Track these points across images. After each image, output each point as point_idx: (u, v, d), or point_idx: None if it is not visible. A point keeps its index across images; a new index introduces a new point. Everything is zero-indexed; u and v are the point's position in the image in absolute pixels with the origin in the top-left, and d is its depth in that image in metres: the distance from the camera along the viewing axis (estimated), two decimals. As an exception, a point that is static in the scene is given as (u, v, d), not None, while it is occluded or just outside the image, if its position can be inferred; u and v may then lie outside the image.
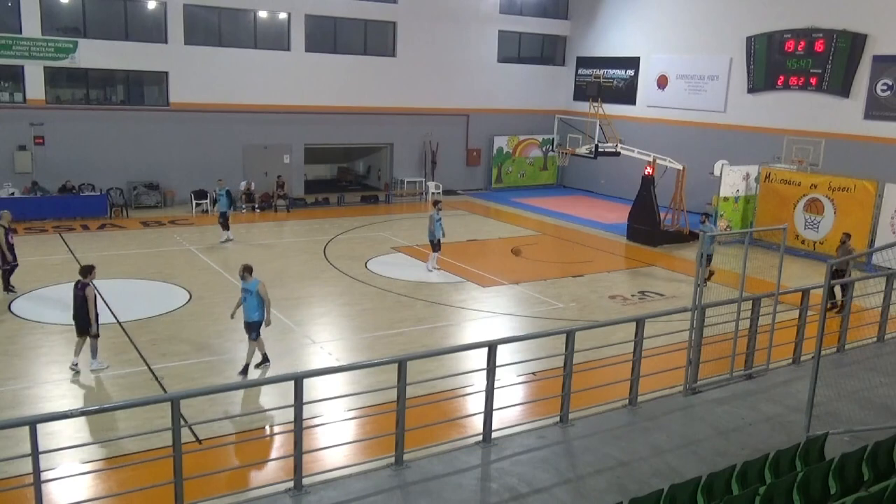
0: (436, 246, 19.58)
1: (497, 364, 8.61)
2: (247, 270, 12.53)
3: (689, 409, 9.95)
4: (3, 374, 12.02)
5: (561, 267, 20.81)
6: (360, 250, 21.59)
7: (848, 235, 17.49)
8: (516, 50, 34.35)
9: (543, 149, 35.03)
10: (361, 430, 10.35)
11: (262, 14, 28.36)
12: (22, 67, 24.69)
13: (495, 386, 8.63)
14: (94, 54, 25.44)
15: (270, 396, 10.92)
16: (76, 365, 12.26)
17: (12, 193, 24.09)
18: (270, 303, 12.47)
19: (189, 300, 16.40)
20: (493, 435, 8.74)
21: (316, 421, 9.97)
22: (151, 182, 26.91)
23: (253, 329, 12.34)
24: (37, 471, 6.26)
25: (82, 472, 8.97)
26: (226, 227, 22.01)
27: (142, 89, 27.50)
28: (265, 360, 12.62)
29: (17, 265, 16.63)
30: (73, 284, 12.54)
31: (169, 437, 6.85)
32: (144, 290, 17.20)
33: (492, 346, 8.68)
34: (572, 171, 34.10)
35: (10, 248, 16.38)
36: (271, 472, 8.85)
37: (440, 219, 19.61)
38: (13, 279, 16.57)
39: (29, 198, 24.28)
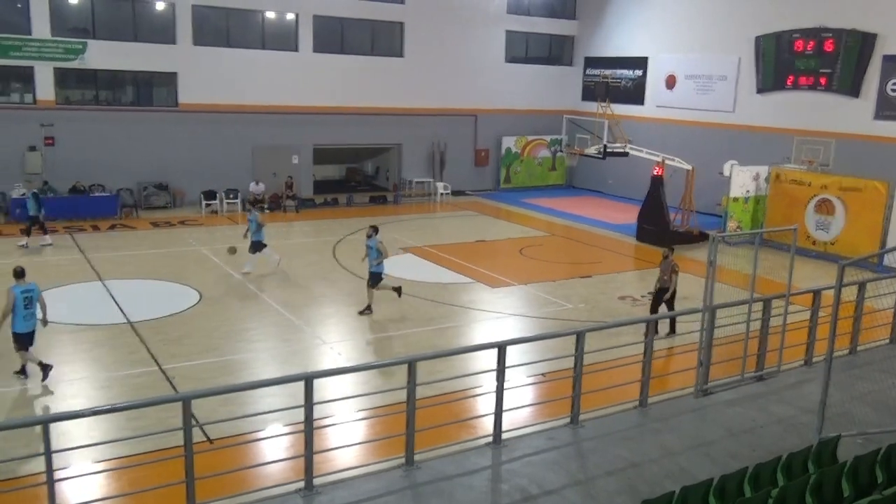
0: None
1: (507, 365, 8.60)
2: (373, 228, 15.69)
3: (700, 411, 9.92)
4: (8, 376, 12.04)
5: (570, 267, 20.79)
6: (368, 251, 21.59)
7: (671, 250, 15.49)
8: (524, 50, 34.33)
9: (552, 149, 34.99)
10: (372, 431, 10.37)
11: (270, 15, 28.42)
12: (32, 68, 24.82)
13: (505, 387, 8.63)
14: (103, 55, 25.55)
15: (280, 397, 10.92)
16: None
17: (23, 194, 24.17)
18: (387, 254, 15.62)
19: (199, 300, 16.44)
20: (504, 436, 8.73)
21: (326, 421, 9.98)
22: (161, 183, 27.01)
23: (372, 279, 15.41)
24: (50, 470, 6.29)
25: (94, 472, 9.01)
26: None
27: (151, 90, 27.60)
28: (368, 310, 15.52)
29: None
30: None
31: (180, 436, 6.87)
32: (155, 290, 17.26)
33: (501, 347, 8.67)
34: (581, 172, 34.07)
35: None
36: (282, 473, 8.85)
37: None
38: None
39: (40, 198, 24.32)
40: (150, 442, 9.10)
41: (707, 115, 29.17)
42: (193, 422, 6.90)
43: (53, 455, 6.32)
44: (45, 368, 11.91)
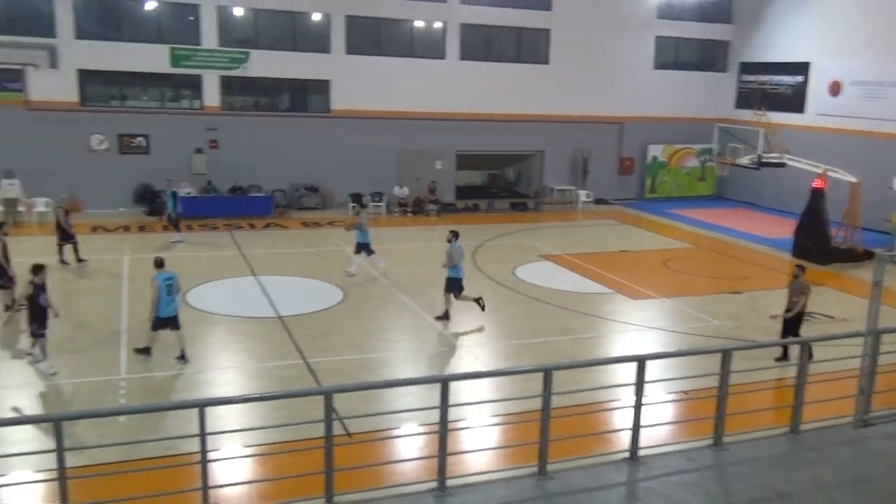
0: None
1: (646, 380, 8.33)
2: (452, 234, 15.61)
3: (859, 443, 9.18)
4: (175, 361, 12.97)
5: (717, 282, 19.90)
6: (508, 257, 21.62)
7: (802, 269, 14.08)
8: (674, 55, 33.24)
9: (701, 159, 33.66)
10: (505, 437, 10.34)
11: (419, 24, 29.11)
12: (200, 77, 26.71)
13: (644, 402, 8.36)
14: (263, 64, 27.10)
15: (417, 397, 11.13)
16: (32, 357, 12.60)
17: (189, 193, 26.10)
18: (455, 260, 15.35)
19: (343, 299, 17.05)
20: (640, 453, 8.45)
21: (461, 424, 10.06)
22: (312, 185, 28.29)
23: (450, 284, 15.31)
24: (204, 450, 6.70)
25: (242, 456, 9.54)
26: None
27: (305, 97, 28.98)
28: (446, 316, 15.45)
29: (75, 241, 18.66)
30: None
31: (322, 428, 7.12)
32: (303, 287, 18.07)
33: (641, 361, 8.40)
34: (732, 183, 32.51)
35: (69, 226, 18.46)
36: (415, 471, 9.01)
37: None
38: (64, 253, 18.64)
39: (203, 197, 26.20)
40: (294, 431, 9.52)
41: (876, 124, 27.05)
42: (334, 415, 7.13)
43: (207, 437, 6.73)
44: (184, 356, 12.89)
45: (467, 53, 29.62)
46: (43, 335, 12.22)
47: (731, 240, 25.39)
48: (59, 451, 6.27)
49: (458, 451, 9.02)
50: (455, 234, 15.69)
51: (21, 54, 24.28)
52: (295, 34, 27.82)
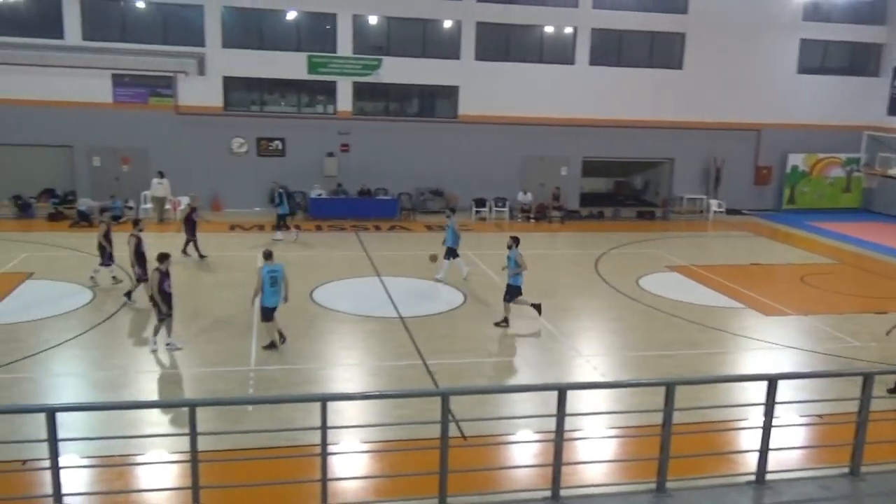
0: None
1: (777, 401, 7.88)
2: (513, 240, 15.33)
3: None
4: (301, 355, 13.50)
5: (860, 301, 18.59)
6: (632, 266, 21.10)
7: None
8: (820, 59, 31.38)
9: (847, 169, 31.59)
10: (622, 450, 10.08)
11: (549, 29, 28.94)
12: (335, 83, 27.70)
13: (774, 424, 7.91)
14: (395, 70, 27.77)
15: (533, 403, 11.04)
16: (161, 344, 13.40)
17: (320, 194, 27.13)
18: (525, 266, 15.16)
19: (464, 302, 17.17)
20: (768, 477, 8.01)
21: (577, 434, 9.90)
22: (437, 189, 28.70)
23: (509, 291, 15.06)
24: (324, 443, 6.91)
25: (360, 451, 9.77)
26: None
27: (434, 102, 29.45)
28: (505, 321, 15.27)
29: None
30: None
31: (437, 429, 7.18)
32: (425, 289, 18.33)
33: (772, 381, 7.96)
34: (881, 195, 30.33)
35: (193, 224, 19.92)
36: (529, 478, 8.93)
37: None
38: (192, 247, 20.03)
39: (333, 199, 27.14)
40: (411, 430, 9.66)
41: None
42: (451, 417, 7.18)
43: (328, 430, 6.93)
44: (283, 339, 13.56)
45: (597, 58, 29.17)
46: (169, 315, 13.21)
47: (878, 256, 23.68)
48: (192, 435, 6.63)
49: (574, 462, 8.87)
50: (516, 240, 15.36)
51: (173, 62, 26.04)
52: (426, 41, 28.34)
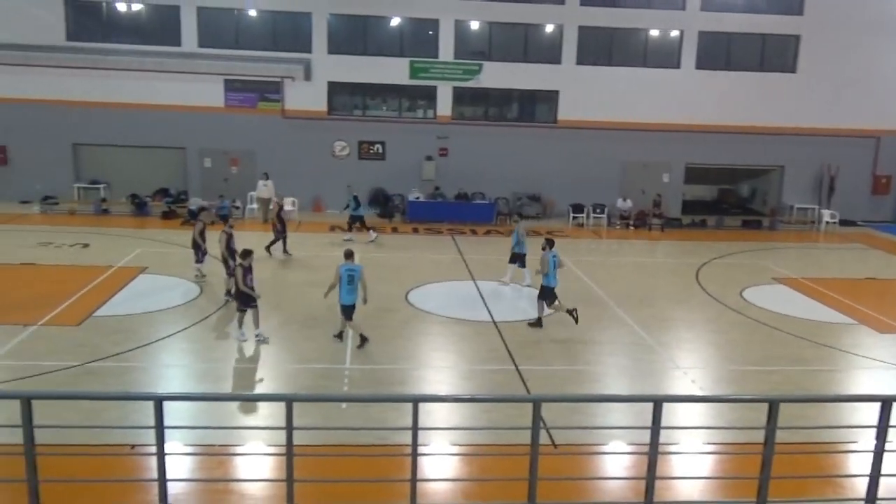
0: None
1: (892, 424, 7.40)
2: (547, 241, 15.63)
3: None
4: (396, 355, 13.67)
5: None
6: (735, 277, 20.33)
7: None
8: (948, 62, 29.44)
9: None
10: (720, 467, 9.70)
11: (654, 32, 28.30)
12: (435, 88, 27.99)
13: (886, 448, 7.43)
14: (495, 75, 27.82)
15: (626, 414, 10.79)
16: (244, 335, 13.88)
17: (418, 197, 27.46)
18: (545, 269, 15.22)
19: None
20: (879, 504, 7.53)
21: (672, 448, 9.60)
22: (534, 194, 28.55)
23: (543, 292, 15.25)
24: (415, 444, 6.96)
25: (450, 453, 9.80)
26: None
27: (533, 107, 29.32)
28: (539, 323, 15.39)
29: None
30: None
31: (527, 435, 7.11)
32: (517, 294, 18.24)
33: (886, 402, 7.47)
34: None
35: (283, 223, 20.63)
36: (621, 490, 8.73)
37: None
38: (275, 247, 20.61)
39: (430, 202, 27.41)
40: (501, 435, 9.63)
41: None
42: (541, 424, 7.10)
43: (419, 431, 6.97)
44: (364, 340, 13.72)
45: (704, 62, 28.35)
46: (245, 310, 13.79)
47: None
48: (289, 429, 6.81)
49: (668, 476, 8.60)
50: (550, 243, 15.69)
51: (281, 68, 26.97)
52: (527, 45, 28.25)
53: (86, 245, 21.17)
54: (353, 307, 13.68)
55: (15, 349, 13.10)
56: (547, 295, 15.42)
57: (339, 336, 13.97)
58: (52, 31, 26.16)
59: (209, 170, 27.79)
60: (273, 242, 20.61)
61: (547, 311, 15.65)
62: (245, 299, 13.75)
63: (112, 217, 25.65)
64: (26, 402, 6.39)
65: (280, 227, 20.54)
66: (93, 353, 13.00)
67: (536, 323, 15.47)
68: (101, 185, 27.20)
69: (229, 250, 16.19)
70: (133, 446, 9.43)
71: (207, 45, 26.84)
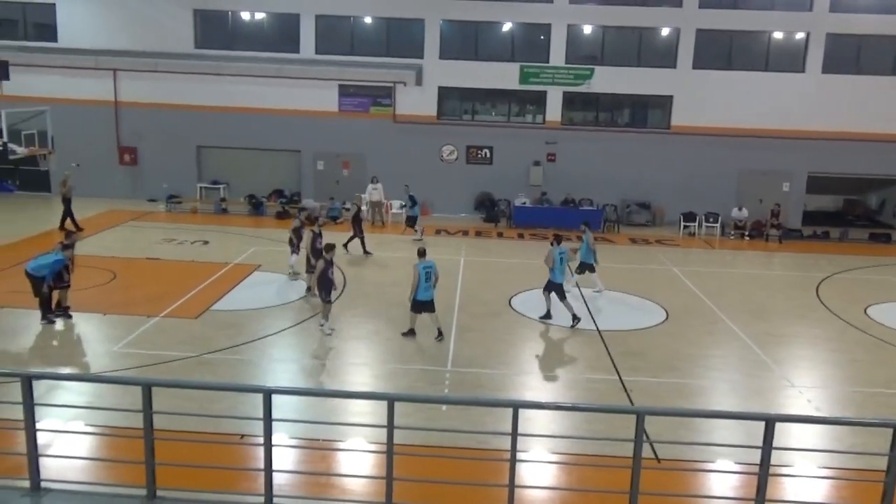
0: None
1: None
2: (556, 238, 15.99)
3: None
4: (497, 360, 13.65)
5: None
6: (860, 293, 19.16)
7: None
8: None
9: None
10: (836, 493, 9.16)
11: (777, 35, 27.09)
12: (545, 93, 27.81)
13: None
14: (606, 80, 27.37)
15: (735, 432, 10.35)
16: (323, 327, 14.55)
17: (524, 203, 27.35)
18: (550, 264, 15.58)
19: (665, 319, 16.51)
20: None
21: (784, 469, 9.14)
22: (644, 201, 27.88)
23: (552, 288, 15.56)
24: (514, 450, 6.91)
25: (549, 461, 9.69)
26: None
27: (645, 113, 28.65)
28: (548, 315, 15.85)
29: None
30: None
31: (629, 447, 6.94)
32: (625, 303, 17.87)
33: None
34: None
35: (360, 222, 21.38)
36: (727, 512, 8.40)
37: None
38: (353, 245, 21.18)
39: (537, 207, 27.24)
40: (602, 446, 9.44)
41: None
42: (645, 437, 6.91)
43: (518, 437, 6.93)
44: (440, 336, 14.31)
45: (831, 66, 26.87)
46: (329, 302, 14.50)
47: None
48: (390, 427, 6.91)
49: (779, 500, 8.19)
50: (558, 239, 16.10)
51: (393, 74, 27.50)
52: (641, 49, 27.64)
53: (206, 242, 22.26)
54: (430, 302, 14.30)
55: (138, 338, 13.93)
56: (554, 289, 15.69)
57: (412, 332, 14.50)
58: (181, 40, 27.68)
59: (322, 172, 28.66)
60: (352, 238, 21.21)
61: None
62: (328, 291, 14.45)
63: (230, 216, 26.85)
64: (147, 389, 6.77)
65: (357, 228, 21.11)
66: (208, 345, 13.65)
67: (546, 315, 15.85)
68: (222, 186, 28.54)
69: (314, 250, 16.76)
70: (242, 436, 9.82)
71: (324, 51, 27.69)
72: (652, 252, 23.71)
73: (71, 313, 14.86)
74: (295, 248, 18.30)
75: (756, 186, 27.52)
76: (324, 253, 14.69)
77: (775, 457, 7.03)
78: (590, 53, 27.83)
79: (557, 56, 27.43)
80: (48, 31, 27.99)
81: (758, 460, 6.90)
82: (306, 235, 17.29)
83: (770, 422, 6.87)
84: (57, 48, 27.69)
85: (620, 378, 12.91)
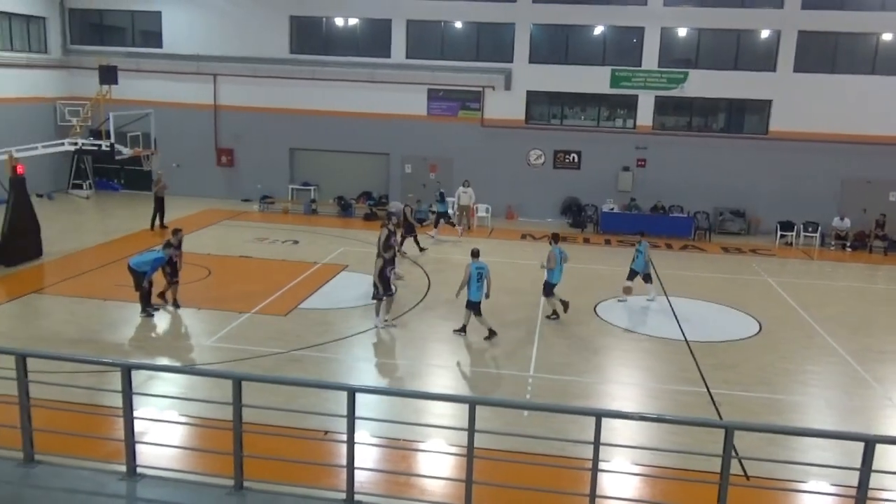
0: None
1: None
2: (553, 238, 16.09)
3: None
4: (580, 367, 13.47)
5: None
6: (974, 311, 17.99)
7: None
8: None
9: None
10: (943, 524, 8.60)
11: (887, 37, 25.73)
12: (636, 97, 27.29)
13: None
14: (701, 84, 26.63)
15: (832, 452, 9.87)
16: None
17: (612, 209, 26.91)
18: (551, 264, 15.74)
19: (758, 332, 15.91)
20: None
21: (884, 495, 8.65)
22: (738, 209, 26.98)
23: (544, 287, 15.83)
24: (596, 459, 6.79)
25: (631, 472, 9.48)
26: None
27: (742, 117, 27.72)
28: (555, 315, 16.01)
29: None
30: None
31: (716, 463, 6.72)
32: (714, 314, 17.32)
33: None
34: None
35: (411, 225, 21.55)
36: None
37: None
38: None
39: (625, 213, 26.74)
40: (687, 460, 9.17)
41: None
42: (734, 452, 6.68)
43: (600, 447, 6.81)
44: (492, 334, 14.40)
45: (948, 67, 25.37)
46: (382, 298, 14.91)
47: None
48: (470, 431, 6.90)
49: (879, 526, 7.77)
50: (556, 237, 16.21)
51: (482, 78, 27.56)
52: (738, 52, 26.77)
53: (296, 242, 22.86)
54: (479, 304, 14.32)
55: (230, 333, 14.42)
56: (548, 289, 15.97)
57: (463, 329, 14.60)
58: (277, 46, 28.54)
59: (409, 175, 28.97)
60: (402, 242, 21.19)
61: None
62: (384, 288, 14.80)
63: (320, 217, 27.48)
64: (237, 382, 6.99)
65: (406, 227, 21.29)
66: (296, 342, 14.00)
67: (553, 315, 16.05)
68: (312, 187, 29.24)
69: (386, 246, 16.85)
70: (326, 432, 10.02)
71: (414, 56, 28.02)
72: (745, 261, 22.90)
73: (171, 308, 15.57)
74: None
75: (860, 195, 26.21)
76: (382, 252, 15.11)
77: (874, 480, 6.67)
78: (684, 56, 27.15)
79: (650, 59, 26.88)
80: (154, 37, 29.39)
81: (855, 483, 6.56)
82: (382, 232, 17.47)
83: (870, 443, 6.52)
84: (162, 54, 29.05)
85: (709, 390, 12.51)
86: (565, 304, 16.00)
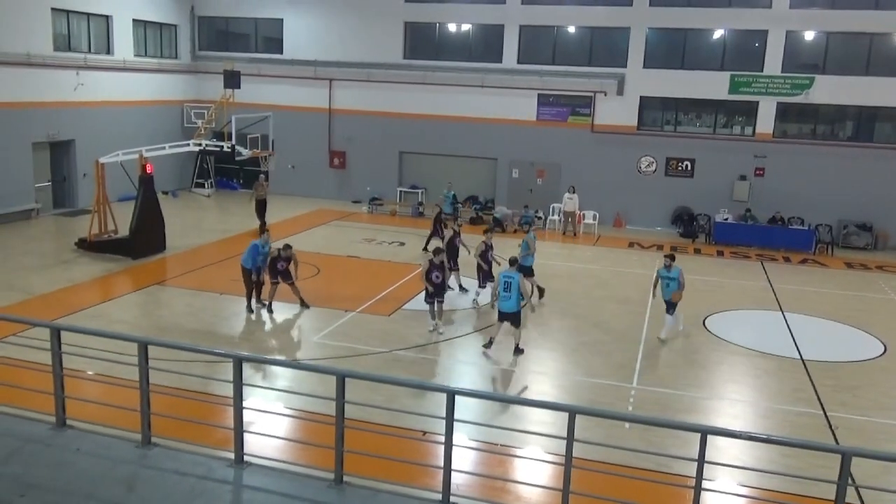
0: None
1: None
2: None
3: None
4: (686, 381, 13.03)
5: None
6: None
7: None
8: None
9: None
10: None
11: None
12: (756, 103, 26.19)
13: None
14: (828, 90, 25.29)
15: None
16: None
17: (726, 219, 25.92)
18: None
19: (883, 353, 14.93)
20: None
21: None
22: (864, 223, 25.42)
23: (520, 270, 14.41)
24: (699, 477, 6.54)
25: (738, 493, 9.09)
26: None
27: (872, 125, 26.10)
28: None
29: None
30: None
31: (830, 490, 6.35)
32: (834, 332, 16.39)
33: None
34: None
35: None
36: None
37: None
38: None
39: (740, 224, 25.70)
40: (799, 484, 8.72)
41: None
42: (850, 480, 6.28)
43: (705, 465, 6.56)
44: (518, 351, 13.81)
45: None
46: (441, 301, 14.98)
47: None
48: (569, 440, 6.79)
49: None
50: (529, 225, 16.38)
51: (594, 83, 27.17)
52: (870, 57, 25.25)
53: (402, 244, 23.22)
54: (513, 314, 13.68)
55: (335, 331, 14.80)
56: (526, 273, 15.80)
57: (489, 344, 14.09)
58: (391, 51, 29.13)
59: (516, 180, 28.89)
60: (428, 241, 21.49)
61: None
62: (437, 291, 14.83)
63: (426, 220, 27.71)
64: (341, 379, 7.15)
65: (435, 228, 21.39)
66: (398, 342, 14.21)
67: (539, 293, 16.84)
68: (420, 190, 29.63)
69: (450, 247, 17.29)
70: (424, 433, 10.11)
71: (526, 61, 27.94)
72: (871, 278, 21.54)
73: (262, 308, 16.13)
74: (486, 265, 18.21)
75: None
76: (433, 256, 15.20)
77: None
78: (810, 61, 25.85)
79: (773, 64, 25.75)
80: (275, 44, 30.62)
81: None
82: (447, 233, 17.81)
83: None
84: (282, 59, 30.20)
85: (825, 413, 11.84)
86: (541, 291, 17.00)
